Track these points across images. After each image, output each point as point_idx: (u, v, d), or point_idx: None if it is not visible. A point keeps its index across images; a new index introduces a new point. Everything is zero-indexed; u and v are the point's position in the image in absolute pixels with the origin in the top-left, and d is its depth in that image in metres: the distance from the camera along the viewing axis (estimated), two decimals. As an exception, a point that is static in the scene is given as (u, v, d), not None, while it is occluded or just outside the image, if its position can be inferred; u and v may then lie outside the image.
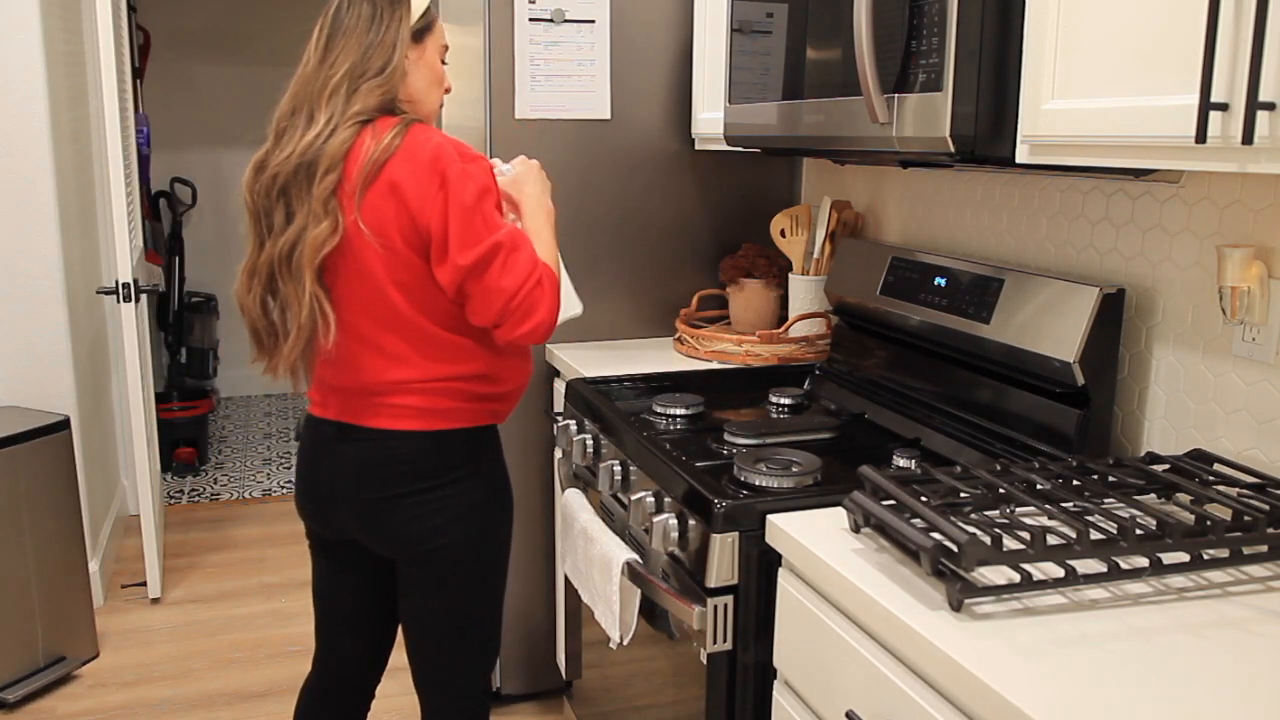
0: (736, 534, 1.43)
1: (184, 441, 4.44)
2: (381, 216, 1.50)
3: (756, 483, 1.48)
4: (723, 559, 1.43)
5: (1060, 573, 1.14)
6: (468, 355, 1.59)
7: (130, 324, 3.04)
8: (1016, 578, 1.13)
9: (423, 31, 1.60)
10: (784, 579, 1.39)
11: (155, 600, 3.22)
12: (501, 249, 1.50)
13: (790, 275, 2.36)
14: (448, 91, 1.69)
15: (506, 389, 1.66)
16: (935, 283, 1.84)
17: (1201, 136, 1.06)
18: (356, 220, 1.50)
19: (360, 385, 1.59)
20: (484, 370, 1.61)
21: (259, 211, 1.57)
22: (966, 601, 1.11)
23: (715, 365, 2.27)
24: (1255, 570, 1.22)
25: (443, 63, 1.66)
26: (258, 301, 1.58)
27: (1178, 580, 1.19)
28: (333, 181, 1.49)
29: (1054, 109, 1.29)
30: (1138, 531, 1.18)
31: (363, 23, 1.55)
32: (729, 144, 2.06)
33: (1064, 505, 1.27)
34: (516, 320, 1.52)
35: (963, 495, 1.30)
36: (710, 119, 2.30)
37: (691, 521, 1.50)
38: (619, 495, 1.82)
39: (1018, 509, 1.31)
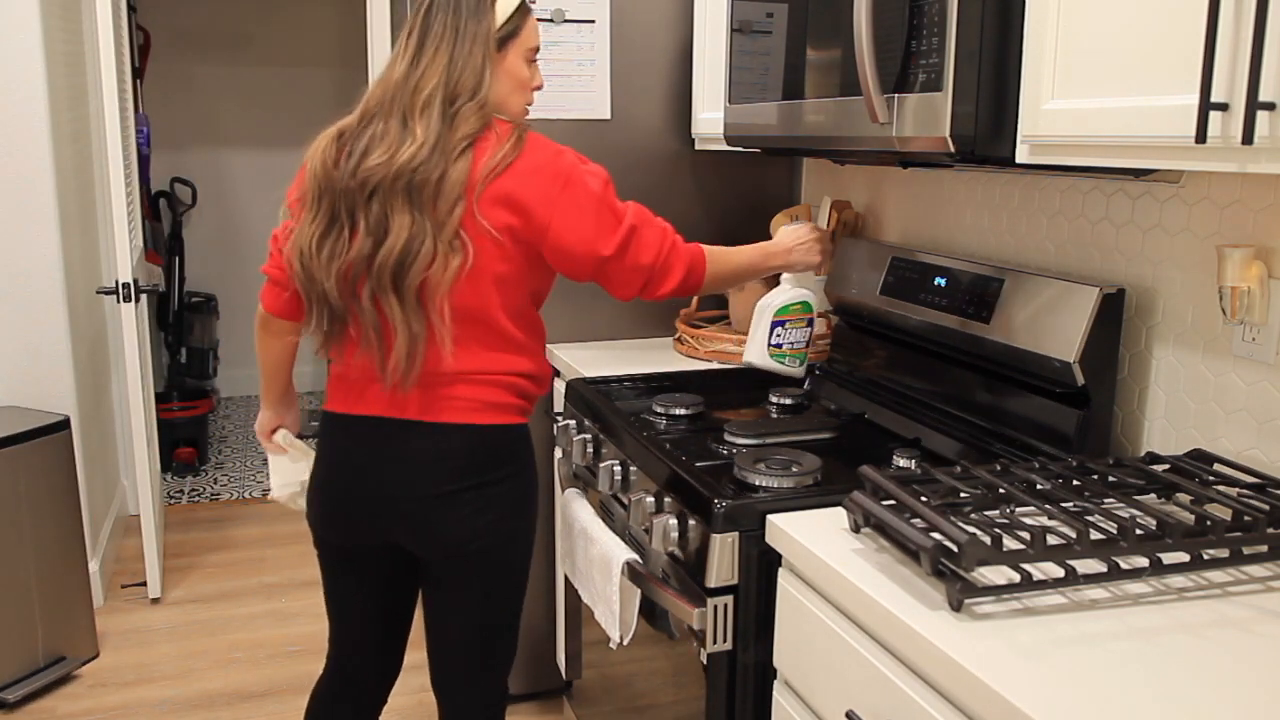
0: (736, 534, 1.43)
1: (184, 441, 4.44)
2: (496, 218, 1.51)
3: (756, 483, 1.48)
4: (723, 559, 1.43)
5: (1060, 573, 1.14)
6: (527, 354, 1.64)
7: (130, 324, 3.04)
8: (1016, 578, 1.13)
9: (506, 39, 1.58)
10: (784, 579, 1.39)
11: (155, 600, 3.22)
12: (635, 231, 1.58)
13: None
14: (538, 88, 1.68)
15: (541, 391, 1.71)
16: (935, 283, 1.84)
17: (1201, 136, 1.06)
18: (480, 224, 1.51)
19: (441, 371, 1.56)
20: (534, 370, 1.66)
21: (337, 192, 1.52)
22: (966, 601, 1.11)
23: (715, 365, 2.27)
24: (1255, 570, 1.22)
25: (532, 62, 1.64)
26: (336, 283, 1.53)
27: (1178, 580, 1.19)
28: (461, 212, 1.49)
29: (1054, 109, 1.29)
30: (1138, 531, 1.18)
31: (449, 32, 1.53)
32: (729, 144, 2.06)
33: (1064, 505, 1.27)
34: (657, 284, 1.62)
35: (963, 495, 1.30)
36: (710, 119, 2.30)
37: (691, 521, 1.50)
38: (619, 495, 1.82)
39: (1018, 509, 1.31)
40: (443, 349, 1.54)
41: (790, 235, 1.88)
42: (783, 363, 1.94)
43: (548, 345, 2.43)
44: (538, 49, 1.65)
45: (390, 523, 1.63)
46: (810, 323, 1.95)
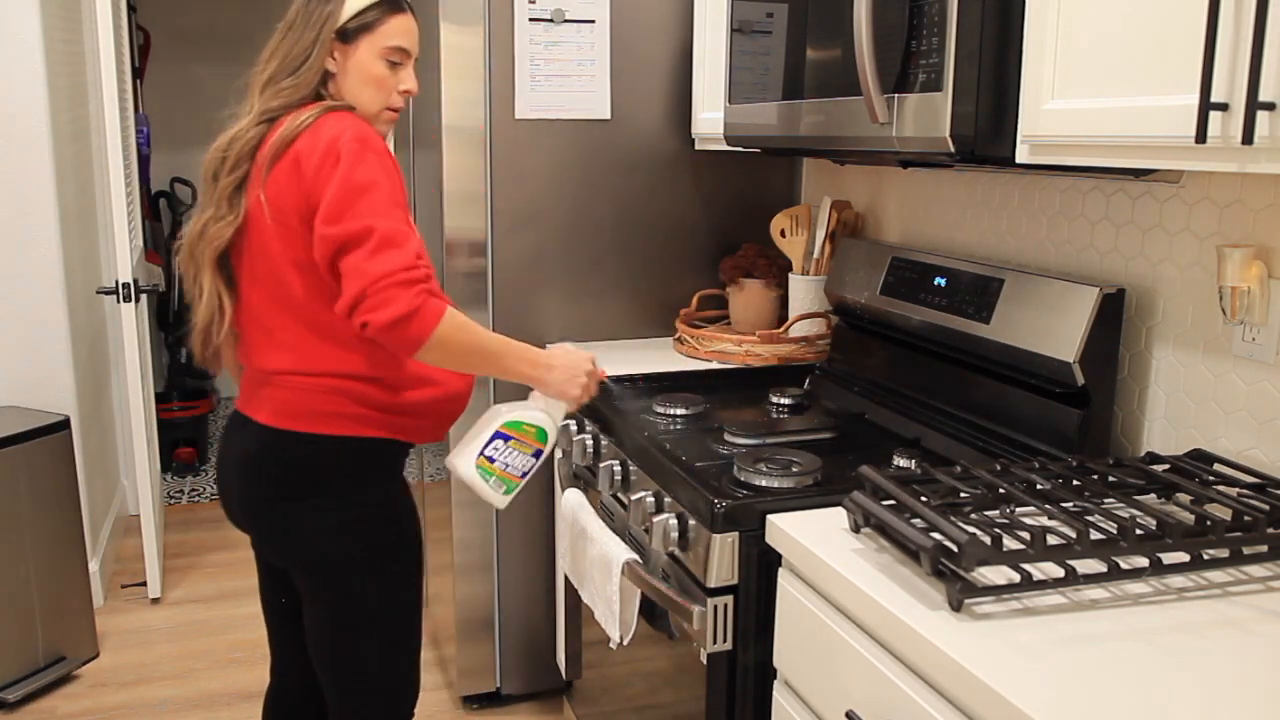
0: (736, 534, 1.43)
1: (184, 441, 4.44)
2: (282, 193, 1.48)
3: (756, 483, 1.48)
4: (723, 559, 1.43)
5: (1060, 573, 1.14)
6: (362, 353, 1.52)
7: (130, 324, 3.04)
8: (1016, 578, 1.13)
9: (356, 31, 1.54)
10: (784, 579, 1.39)
11: (155, 600, 3.22)
12: (375, 234, 1.40)
13: (790, 275, 2.36)
14: (408, 94, 1.61)
15: (409, 400, 1.56)
16: (935, 283, 1.84)
17: (1201, 136, 1.06)
18: (260, 198, 1.50)
19: (254, 370, 1.58)
20: (374, 372, 1.53)
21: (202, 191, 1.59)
22: (966, 601, 1.11)
23: (715, 365, 2.27)
24: (1255, 570, 1.22)
25: (395, 64, 1.57)
26: (180, 274, 1.60)
27: (1178, 580, 1.19)
28: (238, 177, 1.51)
29: (1054, 109, 1.29)
30: (1138, 531, 1.18)
31: (297, 20, 1.55)
32: (729, 144, 2.06)
33: (1064, 505, 1.27)
34: (367, 309, 1.38)
35: (963, 495, 1.30)
36: (710, 119, 2.30)
37: (691, 521, 1.50)
38: (619, 495, 1.82)
39: (1018, 509, 1.31)
40: (266, 337, 1.54)
41: (564, 356, 1.64)
42: (487, 481, 1.60)
43: (547, 345, 2.44)
44: (404, 50, 1.58)
45: (237, 518, 1.64)
46: (538, 455, 1.64)
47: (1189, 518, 1.22)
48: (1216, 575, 1.20)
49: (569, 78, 2.36)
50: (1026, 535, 1.15)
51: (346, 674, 1.63)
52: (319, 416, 1.52)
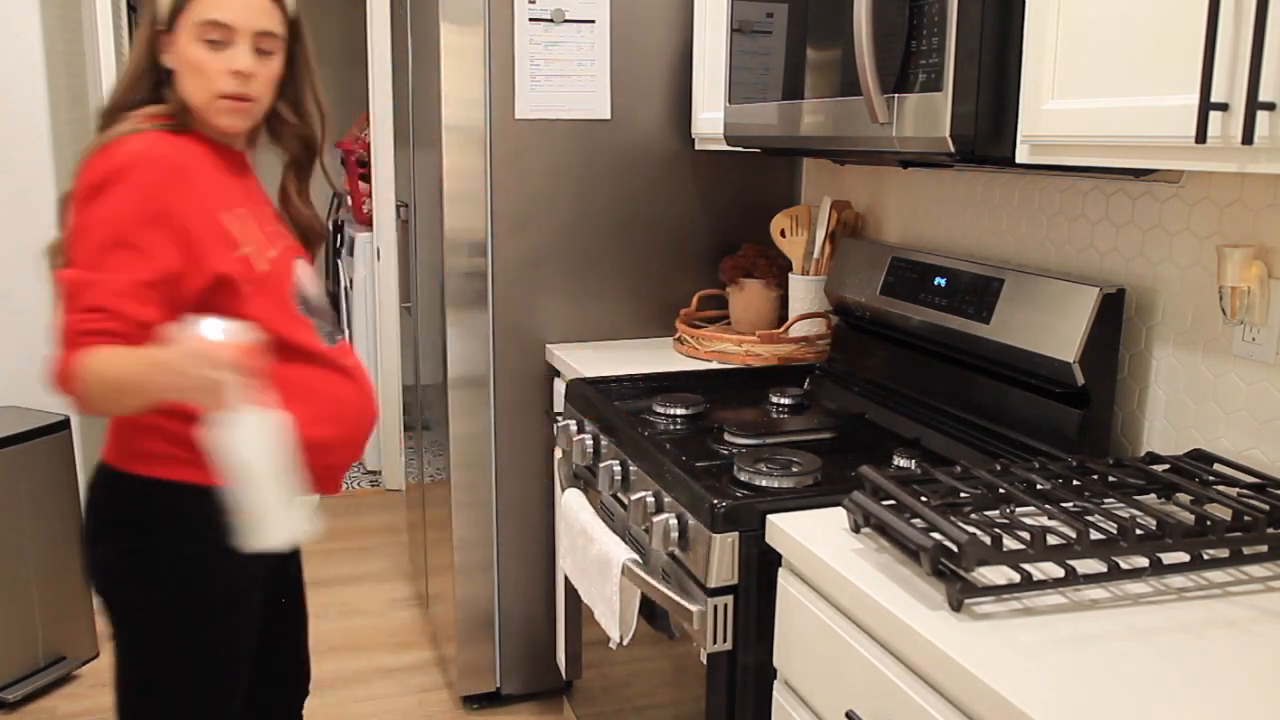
0: (736, 534, 1.43)
1: (184, 441, 4.43)
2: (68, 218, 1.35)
3: (756, 483, 1.48)
4: (723, 559, 1.43)
5: (1060, 573, 1.14)
6: None
7: (130, 324, 3.03)
8: (1016, 578, 1.13)
9: (174, 15, 1.35)
10: (784, 579, 1.39)
11: (155, 600, 3.22)
12: (59, 287, 1.30)
13: (790, 275, 2.36)
14: (239, 75, 1.37)
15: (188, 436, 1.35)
16: (935, 283, 1.84)
17: (1201, 136, 1.06)
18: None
19: None
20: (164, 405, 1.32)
21: None
22: (966, 601, 1.11)
23: (715, 365, 2.27)
24: (1255, 570, 1.22)
25: (214, 44, 1.35)
26: None
27: (1178, 580, 1.19)
28: (64, 191, 1.37)
29: (1054, 109, 1.29)
30: (1138, 531, 1.18)
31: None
32: (729, 144, 2.06)
33: (1064, 505, 1.27)
34: (51, 370, 1.29)
35: (963, 495, 1.30)
36: (710, 119, 2.30)
37: (691, 521, 1.50)
38: (619, 495, 1.82)
39: (1018, 509, 1.31)
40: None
41: (190, 352, 1.25)
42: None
43: (547, 345, 2.44)
44: (219, 24, 1.35)
45: None
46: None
47: (1189, 518, 1.22)
48: (1216, 575, 1.20)
49: (569, 78, 2.37)
50: (1026, 535, 1.15)
51: None
52: (115, 449, 1.42)
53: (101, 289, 1.27)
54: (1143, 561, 1.18)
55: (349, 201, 4.78)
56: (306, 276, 1.53)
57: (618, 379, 2.14)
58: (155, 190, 1.31)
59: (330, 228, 5.17)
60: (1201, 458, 1.44)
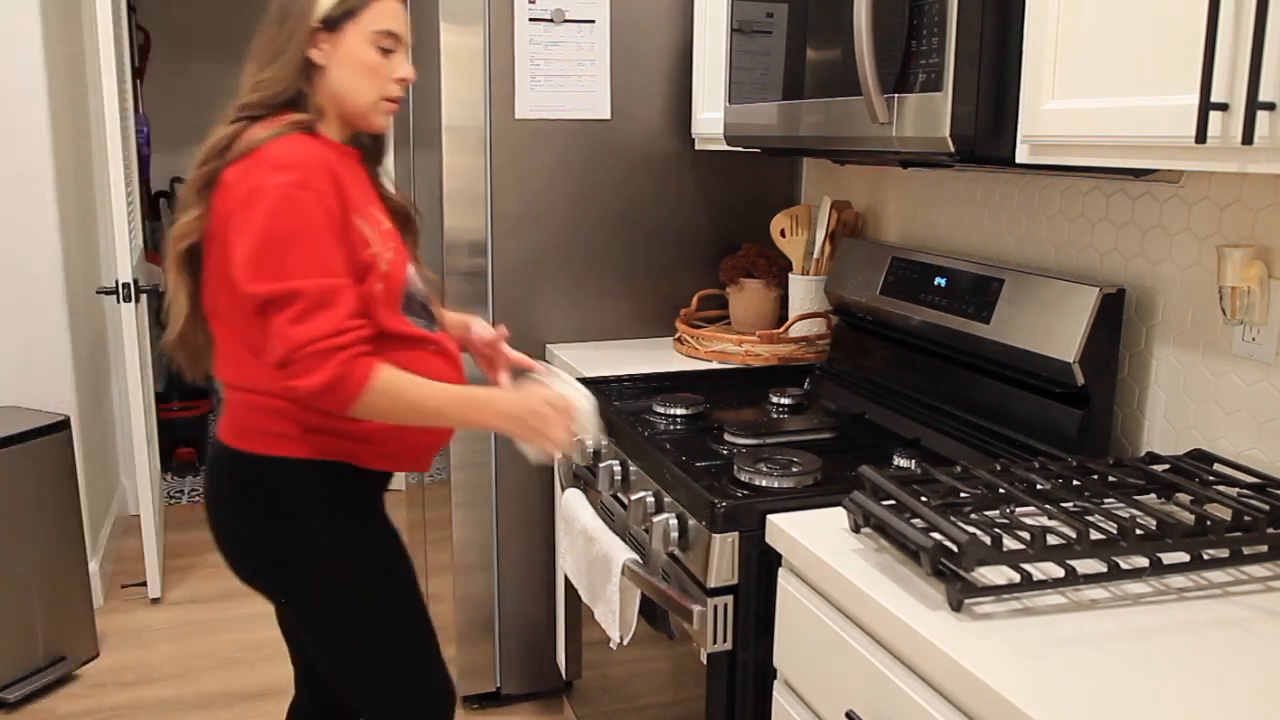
0: (736, 534, 1.43)
1: (184, 441, 4.44)
2: (220, 210, 1.41)
3: (756, 483, 1.48)
4: (723, 559, 1.43)
5: (1060, 573, 1.14)
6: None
7: (130, 324, 3.04)
8: (1016, 578, 1.13)
9: (341, 18, 1.44)
10: (784, 579, 1.39)
11: (155, 600, 3.22)
12: (301, 297, 1.33)
13: (790, 275, 2.36)
14: (404, 82, 1.51)
15: (363, 429, 1.47)
16: (935, 283, 1.84)
17: (1201, 136, 1.06)
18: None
19: (222, 380, 1.52)
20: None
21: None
22: (966, 601, 1.11)
23: (715, 365, 2.27)
24: (1255, 570, 1.22)
25: (386, 51, 1.48)
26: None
27: (1178, 580, 1.19)
28: (207, 173, 1.41)
29: (1054, 109, 1.29)
30: (1138, 531, 1.18)
31: (275, 11, 1.46)
32: (729, 144, 2.06)
33: (1064, 505, 1.27)
34: (293, 375, 1.34)
35: (963, 495, 1.30)
36: (710, 119, 2.30)
37: (691, 521, 1.50)
38: (619, 495, 1.82)
39: (1018, 509, 1.31)
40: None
41: (515, 404, 1.48)
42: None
43: (547, 345, 2.43)
44: (394, 35, 1.48)
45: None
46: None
47: (1189, 518, 1.22)
48: (1216, 575, 1.20)
49: (569, 78, 2.36)
50: (1026, 535, 1.15)
51: (348, 690, 1.59)
52: (252, 434, 1.47)
53: (343, 298, 1.36)
54: (1143, 561, 1.18)
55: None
56: (414, 272, 1.60)
57: (618, 379, 2.14)
58: (334, 194, 1.39)
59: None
60: (1201, 458, 1.44)
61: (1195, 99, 1.08)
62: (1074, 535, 1.16)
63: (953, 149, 1.39)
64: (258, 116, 1.44)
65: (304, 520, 1.48)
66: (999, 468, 1.39)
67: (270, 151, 1.38)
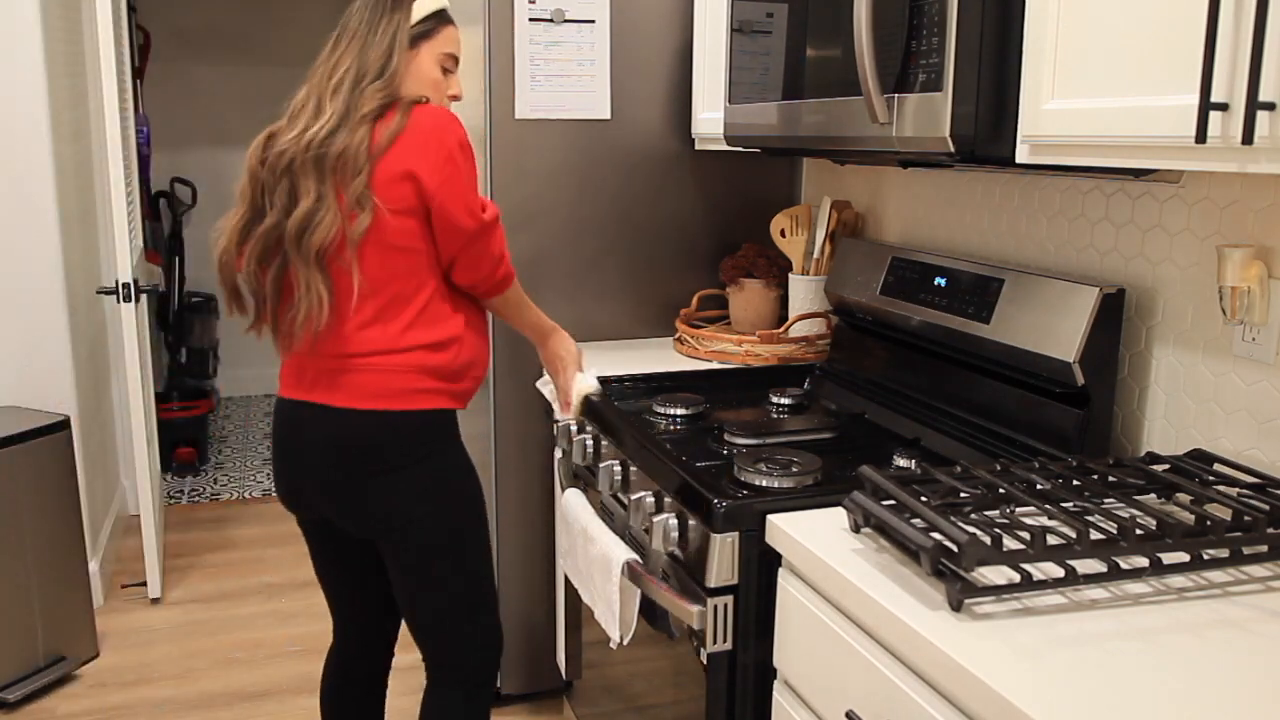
0: (736, 534, 1.43)
1: (184, 441, 4.44)
2: (393, 191, 1.59)
3: (756, 483, 1.48)
4: (723, 559, 1.43)
5: (1060, 573, 1.14)
6: (438, 326, 1.67)
7: (130, 324, 3.04)
8: (1016, 578, 1.13)
9: (419, 38, 1.69)
10: (784, 579, 1.39)
11: (155, 600, 3.22)
12: (496, 222, 1.69)
13: (790, 275, 2.36)
14: (455, 99, 1.76)
15: (478, 369, 1.75)
16: (935, 283, 1.84)
17: (1201, 136, 1.06)
18: (375, 187, 1.60)
19: (329, 357, 1.65)
20: (466, 344, 1.70)
21: (260, 182, 1.64)
22: (966, 601, 1.11)
23: (715, 365, 2.27)
24: (1255, 570, 1.22)
25: (446, 71, 1.73)
26: (252, 264, 1.65)
27: (1178, 580, 1.19)
28: (367, 178, 1.58)
29: (1054, 109, 1.29)
30: (1138, 531, 1.18)
31: (364, 25, 1.66)
32: (729, 144, 2.06)
33: (1064, 505, 1.27)
34: (497, 274, 1.72)
35: (963, 495, 1.30)
36: (710, 119, 2.30)
37: (691, 521, 1.50)
38: (619, 495, 1.82)
39: (1018, 509, 1.31)
40: (345, 325, 1.62)
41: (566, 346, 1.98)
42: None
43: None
44: (455, 59, 1.74)
45: (317, 502, 1.72)
46: None
47: (1189, 518, 1.22)
48: (1216, 575, 1.20)
49: (569, 78, 2.36)
50: (1026, 535, 1.15)
51: (440, 627, 1.76)
52: (402, 394, 1.64)
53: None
54: (1143, 561, 1.18)
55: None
56: None
57: (618, 379, 2.14)
58: None
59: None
60: (1201, 458, 1.44)
61: (1195, 99, 1.08)
62: (1074, 535, 1.17)
63: (953, 149, 1.39)
64: (378, 116, 1.62)
65: (433, 461, 1.69)
66: (999, 468, 1.39)
67: (425, 115, 1.62)
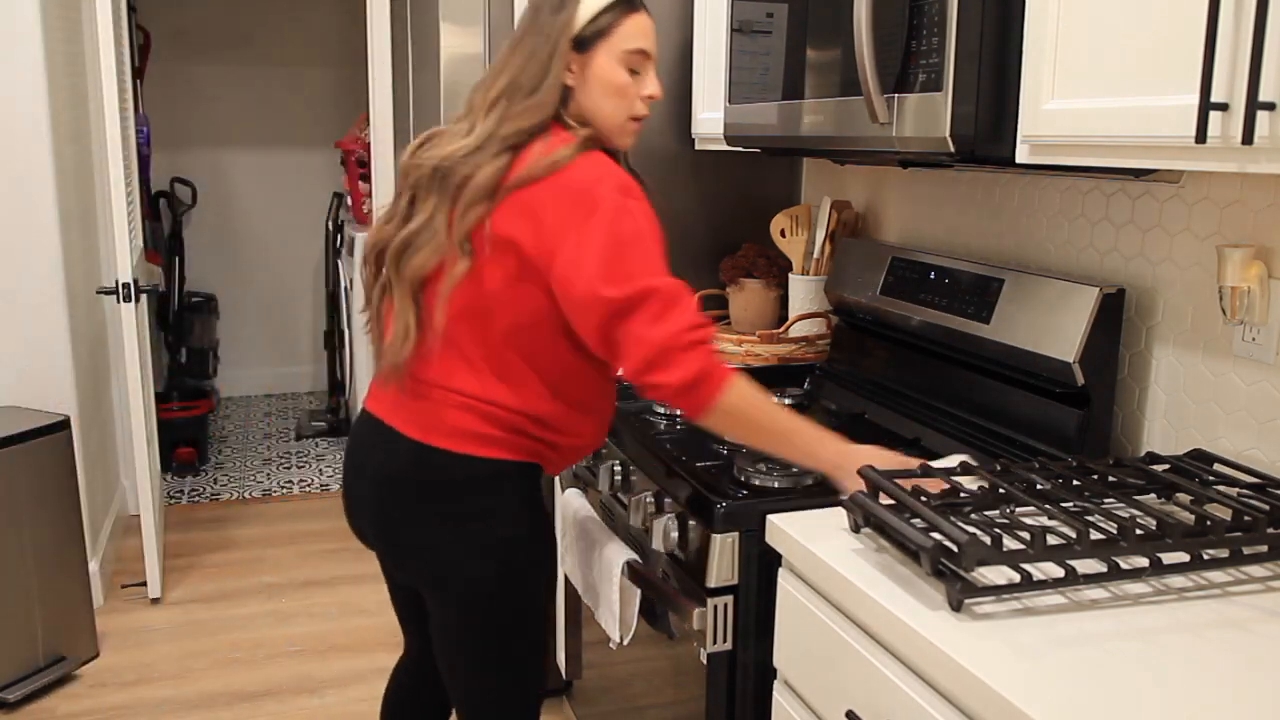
0: (736, 534, 1.43)
1: (184, 441, 4.44)
2: (512, 230, 1.38)
3: (756, 483, 1.48)
4: (723, 559, 1.43)
5: (1060, 573, 1.14)
6: (538, 396, 1.45)
7: (130, 324, 3.04)
8: (1016, 578, 1.13)
9: (593, 38, 1.43)
10: (784, 579, 1.39)
11: (155, 600, 3.22)
12: (656, 295, 1.33)
13: (790, 275, 2.36)
14: (652, 99, 1.50)
15: (565, 442, 1.51)
16: (935, 283, 1.84)
17: (1201, 136, 1.06)
18: (485, 223, 1.40)
19: (424, 379, 1.47)
20: (547, 415, 1.47)
21: (401, 189, 1.50)
22: (966, 601, 1.11)
23: (715, 365, 2.27)
24: (1255, 570, 1.22)
25: (632, 71, 1.47)
26: (370, 266, 1.52)
27: (1178, 580, 1.19)
28: (476, 217, 1.39)
29: (1054, 109, 1.29)
30: (1138, 531, 1.18)
31: (530, 29, 1.45)
32: (729, 144, 2.06)
33: (1064, 505, 1.27)
34: (660, 368, 1.33)
35: (962, 495, 1.30)
36: (710, 119, 2.30)
37: (691, 521, 1.50)
38: (619, 495, 1.82)
39: (1018, 509, 1.31)
40: (430, 355, 1.46)
41: (847, 457, 1.43)
42: None
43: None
44: (644, 53, 1.47)
45: (365, 529, 1.58)
46: None
47: (1189, 518, 1.22)
48: (1216, 575, 1.20)
49: (569, 78, 2.35)
50: (1026, 535, 1.15)
51: (475, 690, 1.56)
52: (483, 440, 1.45)
53: (690, 295, 1.36)
54: (1143, 561, 1.18)
55: (349, 201, 4.78)
56: None
57: (617, 379, 2.13)
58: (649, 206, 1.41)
59: (330, 228, 5.18)
60: (1201, 458, 1.44)
61: (1195, 99, 1.08)
62: (1074, 535, 1.16)
63: (953, 149, 1.39)
64: (521, 144, 1.41)
65: (499, 518, 1.47)
66: (999, 468, 1.39)
67: (581, 168, 1.39)
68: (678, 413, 1.87)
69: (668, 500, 1.59)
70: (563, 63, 1.43)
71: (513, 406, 1.45)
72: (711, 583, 1.44)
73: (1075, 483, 1.37)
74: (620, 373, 1.41)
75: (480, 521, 1.46)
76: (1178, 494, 1.34)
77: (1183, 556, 1.19)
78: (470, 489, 1.46)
